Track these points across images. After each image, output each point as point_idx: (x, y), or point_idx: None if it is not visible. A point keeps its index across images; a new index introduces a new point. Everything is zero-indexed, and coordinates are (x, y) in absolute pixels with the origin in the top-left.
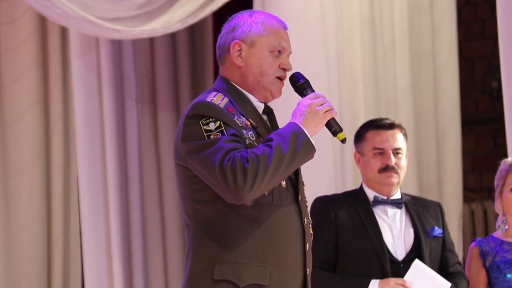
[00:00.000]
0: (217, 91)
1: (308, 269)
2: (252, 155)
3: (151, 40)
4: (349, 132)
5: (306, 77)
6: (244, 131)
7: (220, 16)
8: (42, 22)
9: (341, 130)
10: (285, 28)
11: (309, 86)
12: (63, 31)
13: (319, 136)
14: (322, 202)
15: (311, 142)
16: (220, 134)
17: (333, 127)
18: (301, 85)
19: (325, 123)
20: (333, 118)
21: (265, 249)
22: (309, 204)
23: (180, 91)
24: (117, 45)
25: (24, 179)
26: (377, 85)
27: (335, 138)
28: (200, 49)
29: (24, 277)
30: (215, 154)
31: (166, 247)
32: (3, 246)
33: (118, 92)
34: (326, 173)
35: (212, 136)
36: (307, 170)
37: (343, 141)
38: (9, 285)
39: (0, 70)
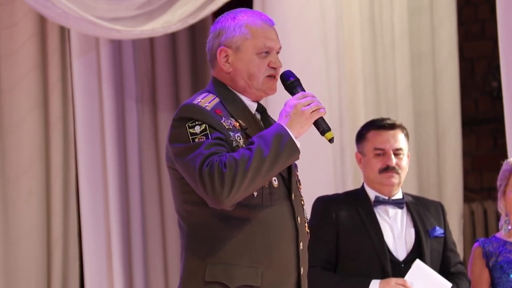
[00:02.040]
0: (209, 92)
1: (302, 268)
2: (231, 159)
3: (151, 40)
4: (349, 132)
5: (303, 79)
6: (231, 133)
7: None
8: (41, 24)
9: (329, 129)
10: (271, 25)
11: (299, 85)
12: (63, 33)
13: (320, 137)
14: (323, 202)
15: (295, 144)
16: (204, 137)
17: (321, 126)
18: (290, 83)
19: (311, 123)
20: (321, 117)
21: (257, 250)
22: (305, 203)
23: (180, 91)
24: (117, 45)
25: (24, 182)
26: (377, 85)
27: (337, 138)
28: (200, 49)
29: (23, 278)
30: (196, 159)
31: (166, 247)
32: (2, 248)
33: (118, 92)
34: (326, 173)
35: (196, 140)
36: (307, 170)
37: (331, 140)
38: (9, 285)
39: (0, 73)
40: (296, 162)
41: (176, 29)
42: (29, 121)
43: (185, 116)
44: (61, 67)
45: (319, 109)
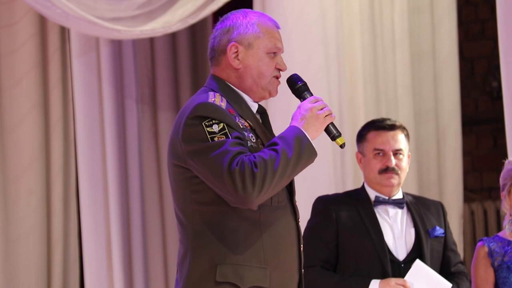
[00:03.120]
0: (213, 91)
1: (302, 270)
2: (260, 159)
3: (151, 40)
4: (349, 132)
5: (304, 79)
6: (245, 133)
7: (220, 16)
8: (42, 24)
9: (340, 135)
10: (278, 27)
11: (307, 89)
12: (63, 33)
13: (320, 137)
14: (323, 202)
15: (313, 147)
16: (224, 136)
17: (332, 132)
18: (299, 87)
19: (324, 127)
20: (332, 123)
21: (266, 251)
22: (306, 203)
23: (180, 91)
24: (117, 45)
25: (24, 182)
26: (377, 85)
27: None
28: (200, 49)
29: (23, 278)
30: (222, 157)
31: (166, 247)
32: (3, 248)
33: (118, 92)
34: (326, 173)
35: (216, 139)
36: (307, 171)
37: (342, 146)
38: (9, 285)
39: (0, 73)
40: None
41: (176, 29)
42: (29, 121)
43: (201, 115)
44: (62, 67)
45: (330, 114)
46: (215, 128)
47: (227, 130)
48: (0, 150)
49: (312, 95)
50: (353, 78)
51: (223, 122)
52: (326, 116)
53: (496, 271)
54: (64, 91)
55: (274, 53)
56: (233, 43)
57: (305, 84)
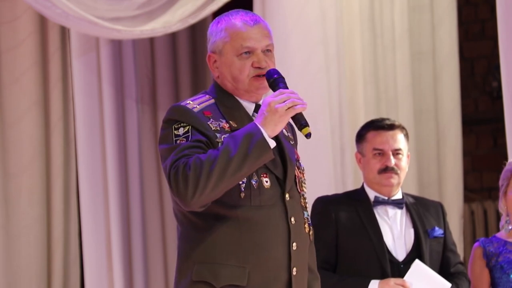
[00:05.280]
0: (206, 93)
1: (295, 269)
2: (197, 161)
3: (151, 40)
4: (349, 132)
5: (305, 78)
6: (218, 135)
7: None
8: (42, 23)
9: (306, 125)
10: (252, 24)
11: (281, 82)
12: (63, 32)
13: (320, 137)
14: (322, 202)
15: (266, 143)
16: (185, 139)
17: (298, 122)
18: (273, 81)
19: (287, 120)
20: (300, 113)
21: (245, 250)
22: (308, 202)
23: (180, 91)
24: (117, 45)
25: (24, 179)
26: (377, 85)
27: (337, 138)
28: (200, 49)
29: (24, 278)
30: (168, 161)
31: (166, 247)
32: (3, 247)
33: (118, 92)
34: (326, 174)
35: (178, 141)
36: (307, 171)
37: (307, 136)
38: (9, 285)
39: (0, 69)
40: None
41: (176, 29)
42: (29, 118)
43: (172, 118)
44: (62, 66)
45: (295, 105)
46: (181, 131)
47: (190, 133)
48: (1, 147)
49: (286, 87)
50: (353, 78)
51: (190, 125)
52: (288, 108)
53: (491, 271)
54: (64, 91)
55: (248, 52)
56: (209, 53)
57: (280, 77)
